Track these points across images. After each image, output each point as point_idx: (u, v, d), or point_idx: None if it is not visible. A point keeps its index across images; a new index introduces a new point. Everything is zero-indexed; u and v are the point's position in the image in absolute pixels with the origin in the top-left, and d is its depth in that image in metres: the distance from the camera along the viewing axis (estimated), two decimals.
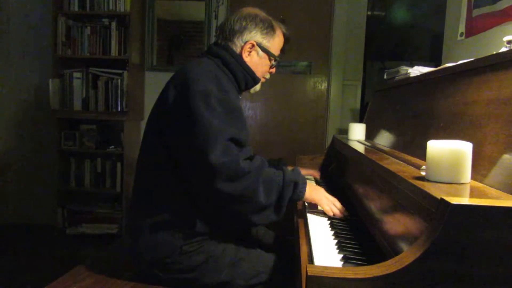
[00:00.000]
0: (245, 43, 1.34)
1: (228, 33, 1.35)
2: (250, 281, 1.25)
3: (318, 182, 1.68)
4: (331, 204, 1.27)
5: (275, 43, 1.40)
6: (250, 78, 1.36)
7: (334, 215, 1.25)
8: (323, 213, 1.29)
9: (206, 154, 1.09)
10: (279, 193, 1.17)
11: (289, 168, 1.71)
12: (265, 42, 1.37)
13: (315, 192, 1.27)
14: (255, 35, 1.35)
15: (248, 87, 1.40)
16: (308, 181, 1.27)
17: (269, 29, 1.37)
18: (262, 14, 1.38)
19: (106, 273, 1.31)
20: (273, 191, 1.16)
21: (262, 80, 1.45)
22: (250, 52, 1.36)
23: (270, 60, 1.40)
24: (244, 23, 1.34)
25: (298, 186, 1.21)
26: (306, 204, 1.36)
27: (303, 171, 1.74)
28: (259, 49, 1.36)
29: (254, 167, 1.14)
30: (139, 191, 1.31)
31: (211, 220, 1.22)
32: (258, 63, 1.38)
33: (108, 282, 1.27)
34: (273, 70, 1.46)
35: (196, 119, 1.12)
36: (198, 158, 1.11)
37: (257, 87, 1.44)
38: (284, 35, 1.43)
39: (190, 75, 1.20)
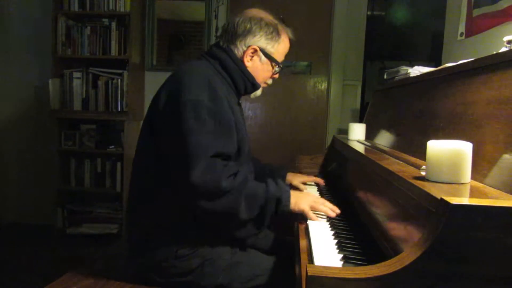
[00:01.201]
0: (248, 47, 1.30)
1: (230, 35, 1.31)
2: (247, 284, 1.23)
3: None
4: (320, 206, 1.23)
5: (280, 48, 1.35)
6: (250, 84, 1.33)
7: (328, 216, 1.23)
8: (323, 214, 1.29)
9: (188, 170, 1.07)
10: (261, 209, 1.16)
11: (290, 175, 1.70)
12: (269, 48, 1.32)
13: (300, 202, 1.22)
14: (258, 40, 1.30)
15: (247, 91, 1.37)
16: (293, 192, 1.23)
17: (274, 34, 1.32)
18: (268, 17, 1.33)
19: (106, 273, 1.31)
20: (255, 207, 1.15)
21: (264, 85, 1.41)
22: (252, 57, 1.31)
23: (273, 66, 1.36)
24: (248, 26, 1.29)
25: (281, 201, 1.18)
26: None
27: (304, 179, 1.72)
28: (262, 54, 1.32)
29: (236, 184, 1.12)
30: (134, 193, 1.29)
31: (209, 223, 1.21)
32: (260, 69, 1.34)
33: (107, 283, 1.26)
34: (276, 76, 1.42)
35: (184, 131, 1.10)
36: (180, 173, 1.10)
37: (258, 92, 1.40)
38: (290, 40, 1.39)
39: (182, 82, 1.17)
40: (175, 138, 1.12)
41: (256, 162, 1.65)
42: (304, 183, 1.69)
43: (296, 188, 1.63)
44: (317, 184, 1.75)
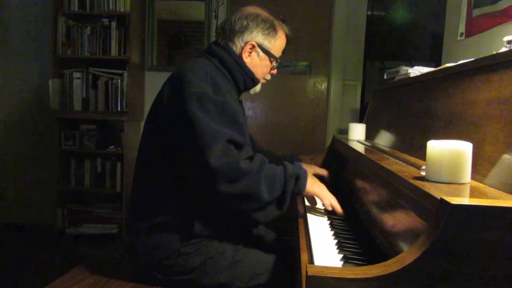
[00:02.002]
0: (246, 43, 1.32)
1: (228, 32, 1.33)
2: (249, 283, 1.24)
3: (325, 181, 1.66)
4: (332, 199, 1.27)
5: (277, 44, 1.37)
6: (249, 79, 1.35)
7: (332, 210, 1.25)
8: (323, 213, 1.29)
9: (205, 156, 1.07)
10: (282, 188, 1.16)
11: (303, 165, 1.71)
12: (266, 43, 1.35)
13: (316, 186, 1.27)
14: (256, 36, 1.33)
15: (247, 88, 1.39)
16: (310, 174, 1.26)
17: (270, 30, 1.34)
18: (264, 14, 1.36)
19: (106, 273, 1.31)
20: (275, 186, 1.15)
21: (263, 81, 1.43)
22: (250, 53, 1.34)
23: (271, 61, 1.38)
24: (245, 23, 1.32)
25: (300, 179, 1.20)
26: (307, 204, 1.36)
27: (316, 170, 1.72)
28: (260, 50, 1.34)
29: (255, 166, 1.13)
30: (137, 192, 1.30)
31: (209, 221, 1.22)
32: (258, 65, 1.36)
33: (108, 283, 1.27)
34: (275, 71, 1.44)
35: (193, 122, 1.11)
36: (197, 161, 1.10)
37: (257, 88, 1.42)
38: (286, 36, 1.41)
39: (185, 77, 1.18)
40: (185, 130, 1.13)
41: (270, 153, 1.66)
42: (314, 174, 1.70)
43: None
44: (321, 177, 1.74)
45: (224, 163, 1.08)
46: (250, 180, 1.11)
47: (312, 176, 1.30)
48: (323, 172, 1.75)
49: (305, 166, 1.70)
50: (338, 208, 1.25)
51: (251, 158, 1.16)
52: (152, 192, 1.24)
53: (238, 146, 1.15)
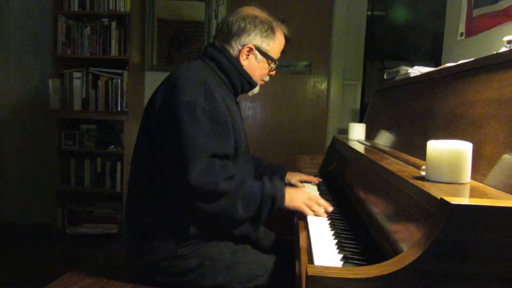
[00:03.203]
0: (243, 46, 1.30)
1: (225, 35, 1.30)
2: (247, 284, 1.23)
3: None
4: (314, 206, 1.24)
5: (275, 46, 1.35)
6: (247, 82, 1.33)
7: (317, 215, 1.23)
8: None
9: (187, 171, 1.08)
10: (257, 208, 1.17)
11: (289, 174, 1.72)
12: (264, 46, 1.32)
13: (295, 200, 1.24)
14: (253, 38, 1.30)
15: (245, 90, 1.37)
16: (288, 190, 1.25)
17: (268, 32, 1.32)
18: (262, 15, 1.33)
19: (106, 273, 1.31)
20: (251, 207, 1.16)
21: (261, 83, 1.41)
22: (248, 56, 1.31)
23: (269, 63, 1.36)
24: (242, 25, 1.29)
25: (276, 201, 1.19)
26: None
27: (302, 177, 1.73)
28: (258, 53, 1.32)
29: (234, 186, 1.13)
30: (133, 193, 1.29)
31: (206, 223, 1.21)
32: (256, 67, 1.34)
33: (107, 283, 1.27)
34: (273, 73, 1.42)
35: (181, 132, 1.11)
36: (178, 174, 1.10)
37: (255, 90, 1.40)
38: (285, 36, 1.39)
39: (178, 84, 1.17)
40: (172, 140, 1.13)
41: (258, 160, 1.67)
42: (302, 181, 1.72)
43: (294, 186, 1.66)
44: (318, 184, 1.76)
45: (203, 182, 1.08)
46: (226, 201, 1.12)
47: (291, 190, 1.27)
48: (311, 179, 1.75)
49: (290, 175, 1.71)
50: (322, 214, 1.23)
51: (231, 177, 1.15)
52: (148, 194, 1.24)
53: (223, 157, 1.15)
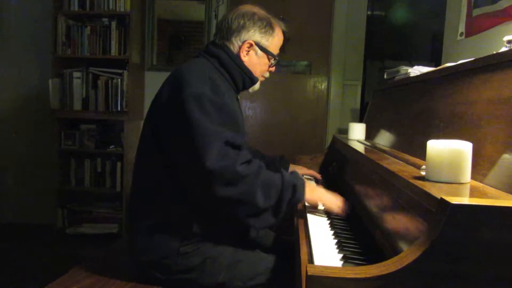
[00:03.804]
0: (243, 42, 1.32)
1: (225, 32, 1.33)
2: (248, 283, 1.24)
3: (318, 183, 1.68)
4: (338, 202, 1.26)
5: (274, 41, 1.37)
6: (248, 78, 1.35)
7: (337, 213, 1.24)
8: (323, 213, 1.29)
9: (203, 158, 1.07)
10: (278, 196, 1.15)
11: (292, 166, 1.73)
12: (264, 41, 1.35)
13: (315, 193, 1.26)
14: (253, 34, 1.33)
15: (246, 86, 1.39)
16: (307, 182, 1.25)
17: (267, 28, 1.34)
18: (260, 12, 1.36)
19: (106, 273, 1.31)
20: (271, 194, 1.14)
21: (261, 79, 1.43)
22: (248, 51, 1.34)
23: (269, 59, 1.38)
24: (241, 22, 1.32)
25: (297, 188, 1.18)
26: (306, 204, 1.36)
27: (304, 171, 1.75)
28: (258, 48, 1.34)
29: (252, 171, 1.12)
30: (136, 192, 1.30)
31: (209, 221, 1.22)
32: (257, 63, 1.36)
33: (108, 283, 1.26)
34: (273, 69, 1.44)
35: (191, 123, 1.11)
36: (194, 162, 1.10)
37: (256, 86, 1.42)
38: (283, 33, 1.41)
39: (183, 78, 1.18)
40: (183, 132, 1.13)
41: (259, 154, 1.68)
42: (304, 175, 1.72)
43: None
44: (315, 179, 1.76)
45: (221, 165, 1.07)
46: (246, 185, 1.10)
47: (310, 183, 1.29)
48: (312, 173, 1.76)
49: (292, 167, 1.72)
50: (341, 212, 1.24)
51: (248, 162, 1.14)
52: (151, 192, 1.24)
53: (236, 147, 1.14)
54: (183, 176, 1.18)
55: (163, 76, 1.31)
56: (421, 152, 0.97)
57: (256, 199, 1.11)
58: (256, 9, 1.36)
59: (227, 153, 1.10)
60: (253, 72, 1.36)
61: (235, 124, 1.18)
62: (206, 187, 1.10)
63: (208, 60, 1.31)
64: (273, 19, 1.38)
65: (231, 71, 1.31)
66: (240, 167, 1.10)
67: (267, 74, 1.45)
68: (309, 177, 1.78)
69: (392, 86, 1.77)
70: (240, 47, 1.32)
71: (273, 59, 1.39)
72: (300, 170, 1.75)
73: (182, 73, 1.21)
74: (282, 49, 1.44)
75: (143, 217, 1.24)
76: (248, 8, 1.35)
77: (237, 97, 1.40)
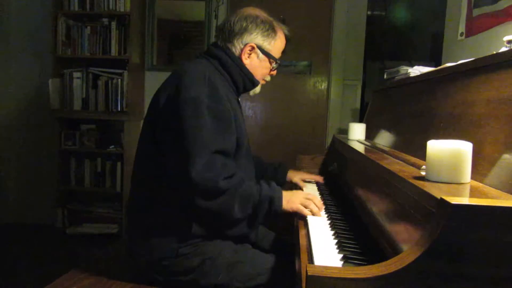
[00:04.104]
0: (245, 45, 1.32)
1: (227, 34, 1.32)
2: (248, 283, 1.23)
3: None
4: (311, 205, 1.25)
5: (276, 45, 1.37)
6: (249, 81, 1.35)
7: (314, 214, 1.24)
8: (323, 213, 1.29)
9: (189, 166, 1.08)
10: (254, 209, 1.17)
11: (292, 172, 1.72)
12: (266, 45, 1.34)
13: (291, 202, 1.24)
14: (255, 38, 1.32)
15: (246, 89, 1.39)
16: (285, 192, 1.25)
17: (270, 31, 1.34)
18: (263, 15, 1.35)
19: (106, 273, 1.31)
20: (248, 207, 1.16)
21: (262, 82, 1.43)
22: (250, 54, 1.33)
23: (270, 62, 1.38)
24: (244, 25, 1.31)
25: (274, 201, 1.20)
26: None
27: (305, 176, 1.73)
28: (259, 51, 1.34)
29: (233, 184, 1.14)
30: (135, 193, 1.30)
31: (207, 222, 1.22)
32: (258, 66, 1.36)
33: (107, 283, 1.26)
34: (274, 72, 1.43)
35: (184, 128, 1.11)
36: (180, 169, 1.11)
37: (257, 89, 1.42)
38: (286, 36, 1.40)
39: (182, 80, 1.18)
40: (176, 136, 1.13)
41: (259, 160, 1.67)
42: (304, 180, 1.71)
43: (296, 185, 1.66)
44: (317, 183, 1.76)
45: (205, 178, 1.09)
46: (225, 199, 1.12)
47: (288, 193, 1.27)
48: (314, 177, 1.75)
49: (292, 173, 1.71)
50: (317, 214, 1.24)
51: (231, 176, 1.15)
52: (150, 193, 1.24)
53: (227, 155, 1.16)
54: (172, 178, 1.18)
55: (163, 76, 1.31)
56: (421, 152, 0.97)
57: (233, 212, 1.14)
58: (258, 12, 1.35)
59: (214, 164, 1.11)
60: (254, 75, 1.36)
61: (229, 130, 1.18)
62: (187, 195, 1.13)
63: (209, 61, 1.30)
64: (275, 22, 1.37)
65: (232, 73, 1.31)
66: (222, 182, 1.11)
67: (268, 78, 1.45)
68: (311, 181, 1.77)
69: (392, 86, 1.77)
70: (241, 50, 1.32)
71: (274, 62, 1.39)
72: (301, 175, 1.74)
73: (182, 75, 1.21)
74: (283, 51, 1.43)
75: (142, 218, 1.24)
76: (250, 11, 1.35)
77: (237, 99, 1.39)
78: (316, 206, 1.26)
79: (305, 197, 1.27)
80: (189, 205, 1.15)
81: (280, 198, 1.22)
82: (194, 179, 1.08)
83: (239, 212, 1.15)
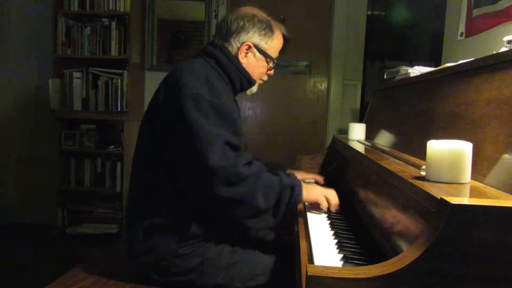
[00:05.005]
0: (242, 44, 1.31)
1: (224, 33, 1.32)
2: (247, 284, 1.24)
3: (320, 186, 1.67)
4: (331, 199, 1.29)
5: (274, 44, 1.36)
6: (245, 80, 1.34)
7: (331, 207, 1.28)
8: (323, 213, 1.29)
9: (204, 158, 1.07)
10: (277, 197, 1.17)
11: (290, 171, 1.72)
12: (263, 44, 1.34)
13: (311, 193, 1.28)
14: (252, 36, 1.32)
15: (243, 89, 1.38)
16: (303, 183, 1.27)
17: (267, 30, 1.33)
18: (260, 14, 1.35)
19: (106, 273, 1.31)
20: (271, 195, 1.15)
21: (259, 82, 1.42)
22: (247, 53, 1.33)
23: (267, 62, 1.37)
24: (241, 23, 1.31)
25: (295, 189, 1.21)
26: (306, 204, 1.36)
27: (307, 175, 1.73)
28: (256, 51, 1.33)
29: (253, 171, 1.13)
30: (134, 193, 1.30)
31: (207, 222, 1.21)
32: (255, 65, 1.35)
33: (107, 283, 1.26)
34: (271, 72, 1.43)
35: (189, 124, 1.11)
36: (195, 162, 1.10)
37: (254, 88, 1.41)
38: (283, 36, 1.40)
39: (181, 79, 1.18)
40: (182, 132, 1.13)
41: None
42: (304, 181, 1.71)
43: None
44: (316, 183, 1.75)
45: (223, 165, 1.08)
46: (247, 185, 1.11)
47: (306, 184, 1.30)
48: (314, 177, 1.75)
49: (295, 172, 1.71)
50: (333, 209, 1.29)
51: (249, 164, 1.16)
52: (149, 193, 1.24)
53: (234, 149, 1.15)
54: (183, 176, 1.18)
55: (163, 76, 1.31)
56: (421, 152, 0.97)
57: (256, 200, 1.12)
58: (256, 11, 1.35)
59: (227, 154, 1.11)
60: (251, 75, 1.35)
61: (233, 125, 1.18)
62: (207, 186, 1.10)
63: (206, 61, 1.30)
64: (273, 22, 1.37)
65: (228, 72, 1.31)
66: (242, 168, 1.11)
67: (265, 77, 1.44)
68: (311, 181, 1.77)
69: (392, 86, 1.77)
70: (238, 49, 1.31)
71: (271, 62, 1.38)
72: (301, 175, 1.73)
73: (179, 73, 1.21)
74: (282, 51, 1.43)
75: (141, 218, 1.24)
76: (248, 10, 1.35)
77: (235, 99, 1.39)
78: (335, 200, 1.29)
79: (325, 190, 1.31)
80: (209, 198, 1.13)
81: (300, 188, 1.23)
82: (212, 166, 1.07)
83: (263, 201, 1.13)
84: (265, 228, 1.25)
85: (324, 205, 1.27)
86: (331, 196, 1.29)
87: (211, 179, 1.09)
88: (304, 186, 1.25)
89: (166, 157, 1.20)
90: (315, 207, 1.33)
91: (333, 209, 1.28)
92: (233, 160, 1.10)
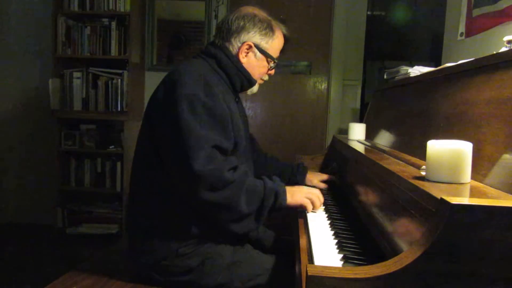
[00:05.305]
0: (242, 44, 1.31)
1: (225, 33, 1.32)
2: (248, 283, 1.24)
3: (322, 189, 1.65)
4: (316, 201, 1.29)
5: (274, 44, 1.36)
6: (246, 80, 1.34)
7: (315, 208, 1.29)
8: (323, 213, 1.29)
9: (190, 160, 1.08)
10: (260, 203, 1.17)
11: (309, 173, 1.71)
12: (263, 44, 1.34)
13: (295, 197, 1.26)
14: (253, 36, 1.32)
15: (244, 88, 1.38)
16: (288, 187, 1.26)
17: (268, 30, 1.33)
18: (261, 14, 1.35)
19: (106, 273, 1.31)
20: (254, 200, 1.16)
21: (260, 81, 1.42)
22: (247, 53, 1.33)
23: (268, 62, 1.37)
24: (242, 23, 1.31)
25: (279, 195, 1.21)
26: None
27: (326, 177, 1.70)
28: (257, 50, 1.33)
29: (237, 177, 1.14)
30: (134, 193, 1.30)
31: (207, 222, 1.21)
32: (255, 65, 1.35)
33: (107, 283, 1.26)
34: (272, 72, 1.43)
35: (181, 124, 1.11)
36: (181, 164, 1.11)
37: (254, 88, 1.41)
38: (284, 36, 1.40)
39: (178, 79, 1.18)
40: (173, 132, 1.13)
41: (275, 161, 1.69)
42: (323, 181, 1.70)
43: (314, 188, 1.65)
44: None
45: (209, 169, 1.08)
46: (231, 190, 1.12)
47: (290, 188, 1.28)
48: (331, 178, 1.72)
49: (311, 176, 1.70)
50: (322, 202, 1.31)
51: (234, 169, 1.16)
52: (149, 193, 1.24)
53: (223, 152, 1.16)
54: (172, 176, 1.18)
55: (163, 76, 1.31)
56: (421, 152, 0.97)
57: (239, 205, 1.13)
58: (257, 11, 1.35)
59: (215, 158, 1.11)
60: (252, 75, 1.35)
61: (224, 128, 1.18)
62: (191, 189, 1.11)
63: (206, 61, 1.30)
64: (274, 21, 1.37)
65: (228, 72, 1.31)
66: (227, 173, 1.11)
67: (266, 77, 1.44)
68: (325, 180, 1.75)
69: (392, 86, 1.77)
70: (239, 48, 1.31)
71: (272, 62, 1.38)
72: (320, 177, 1.70)
73: (178, 73, 1.21)
74: (283, 51, 1.43)
75: (142, 218, 1.24)
76: (249, 9, 1.34)
77: (235, 99, 1.39)
78: (319, 201, 1.29)
79: (308, 192, 1.29)
80: (193, 201, 1.14)
81: (284, 192, 1.23)
82: (197, 171, 1.07)
83: (246, 206, 1.14)
84: (247, 233, 1.25)
85: (309, 207, 1.27)
86: (315, 197, 1.29)
87: (196, 183, 1.09)
88: (288, 190, 1.25)
89: (161, 155, 1.20)
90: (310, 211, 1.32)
91: (316, 210, 1.29)
92: (219, 164, 1.11)
